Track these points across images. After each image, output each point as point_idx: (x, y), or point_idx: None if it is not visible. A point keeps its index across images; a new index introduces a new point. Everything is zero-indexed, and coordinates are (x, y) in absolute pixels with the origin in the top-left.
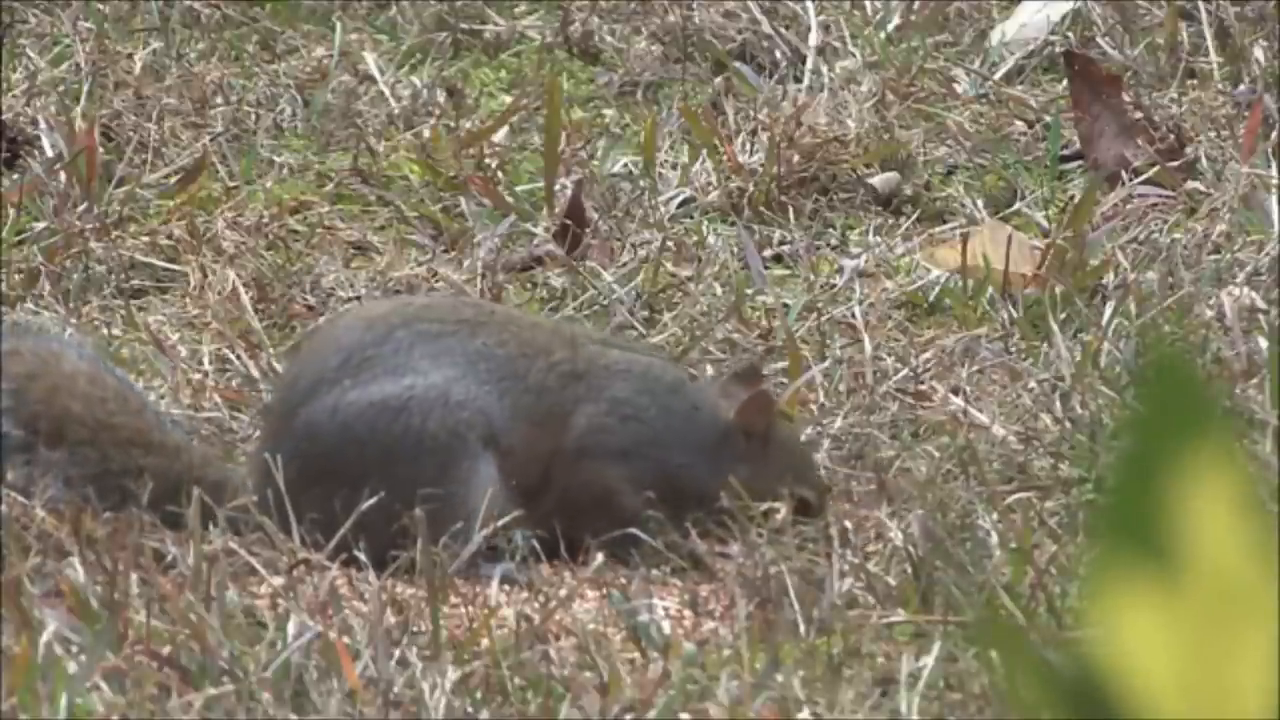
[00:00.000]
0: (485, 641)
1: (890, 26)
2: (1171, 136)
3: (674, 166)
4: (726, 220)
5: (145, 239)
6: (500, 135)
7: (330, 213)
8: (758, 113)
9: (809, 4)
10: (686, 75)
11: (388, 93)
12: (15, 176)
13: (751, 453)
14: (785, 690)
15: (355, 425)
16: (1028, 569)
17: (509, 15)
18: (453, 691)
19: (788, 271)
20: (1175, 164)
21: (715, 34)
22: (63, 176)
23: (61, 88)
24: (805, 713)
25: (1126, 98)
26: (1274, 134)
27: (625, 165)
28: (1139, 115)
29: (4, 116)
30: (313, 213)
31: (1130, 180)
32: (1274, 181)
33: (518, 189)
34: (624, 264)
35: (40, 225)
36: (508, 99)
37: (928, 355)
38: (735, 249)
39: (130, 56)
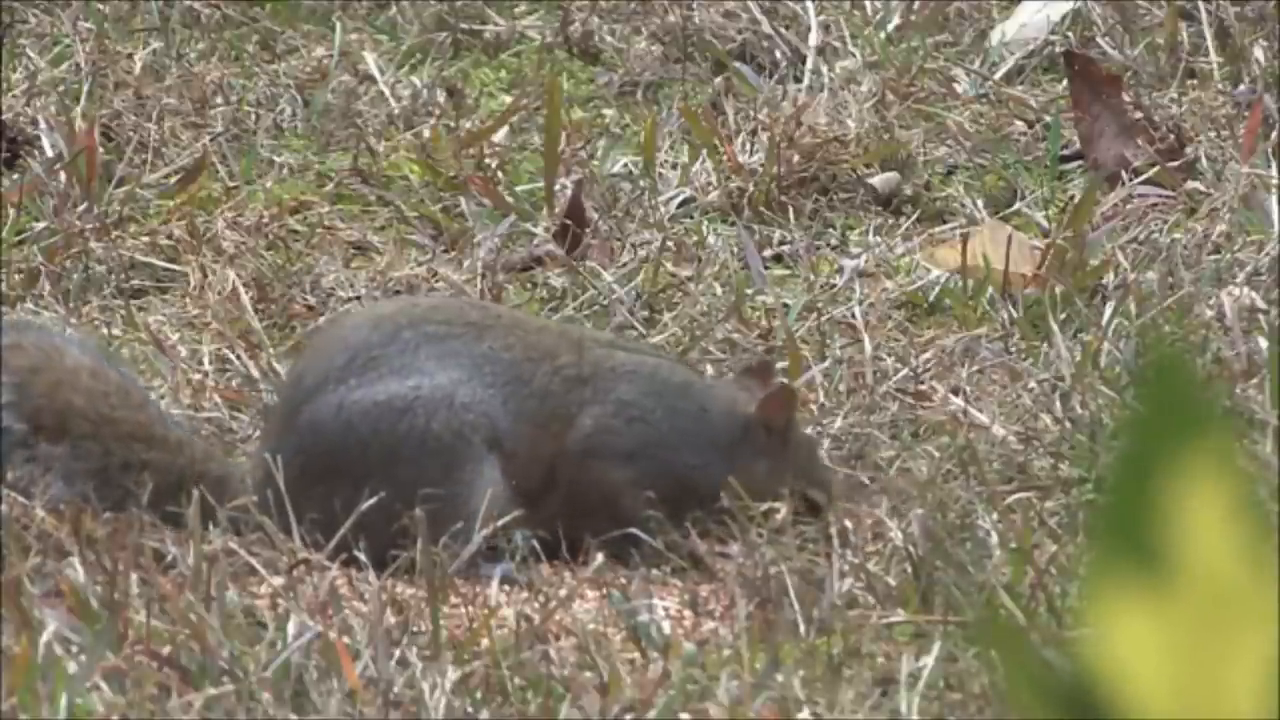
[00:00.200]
0: (485, 641)
1: (890, 26)
2: (1171, 136)
3: (674, 166)
4: (726, 220)
5: (145, 239)
6: (500, 135)
7: (330, 213)
8: (758, 113)
9: (809, 4)
10: (686, 75)
11: (388, 93)
12: (15, 176)
13: (771, 447)
14: (785, 690)
15: (359, 424)
16: (1028, 569)
17: (509, 15)
18: (453, 691)
19: (788, 271)
20: (1175, 164)
21: (715, 34)
22: (63, 176)
23: (61, 88)
24: (805, 713)
25: (1126, 98)
26: (1274, 134)
27: (625, 165)
28: (1139, 115)
29: (4, 116)
30: (313, 213)
31: (1130, 180)
32: (1274, 181)
33: (518, 189)
34: (624, 264)
35: (40, 225)
36: (508, 99)
37: (928, 355)
38: (735, 249)
39: (130, 56)
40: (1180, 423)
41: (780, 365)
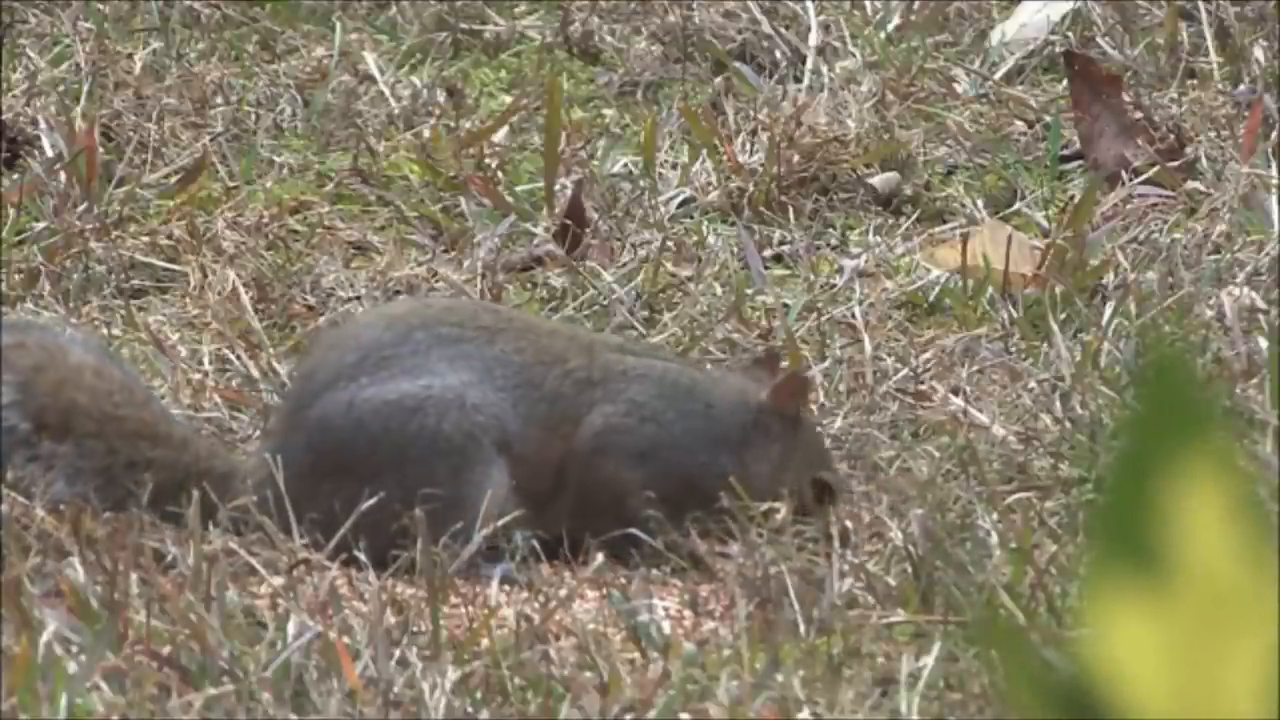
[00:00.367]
0: (485, 641)
1: (890, 26)
2: (1171, 136)
3: (674, 166)
4: (726, 220)
5: (145, 239)
6: (500, 135)
7: (330, 213)
8: (758, 113)
9: (809, 4)
10: (686, 75)
11: (388, 93)
12: (15, 176)
13: (783, 434)
14: (785, 690)
15: (370, 422)
16: (1028, 569)
17: (509, 15)
18: (453, 691)
19: (788, 271)
20: (1175, 164)
21: (715, 34)
22: (63, 176)
23: (61, 88)
24: (805, 713)
25: (1126, 98)
26: (1274, 134)
27: (625, 165)
28: (1139, 115)
29: (4, 116)
30: (313, 213)
31: (1130, 180)
32: (1274, 181)
33: (518, 189)
34: (624, 264)
35: (40, 225)
36: (508, 99)
37: (928, 355)
38: (735, 249)
39: (130, 56)
40: (1180, 423)
41: (780, 365)
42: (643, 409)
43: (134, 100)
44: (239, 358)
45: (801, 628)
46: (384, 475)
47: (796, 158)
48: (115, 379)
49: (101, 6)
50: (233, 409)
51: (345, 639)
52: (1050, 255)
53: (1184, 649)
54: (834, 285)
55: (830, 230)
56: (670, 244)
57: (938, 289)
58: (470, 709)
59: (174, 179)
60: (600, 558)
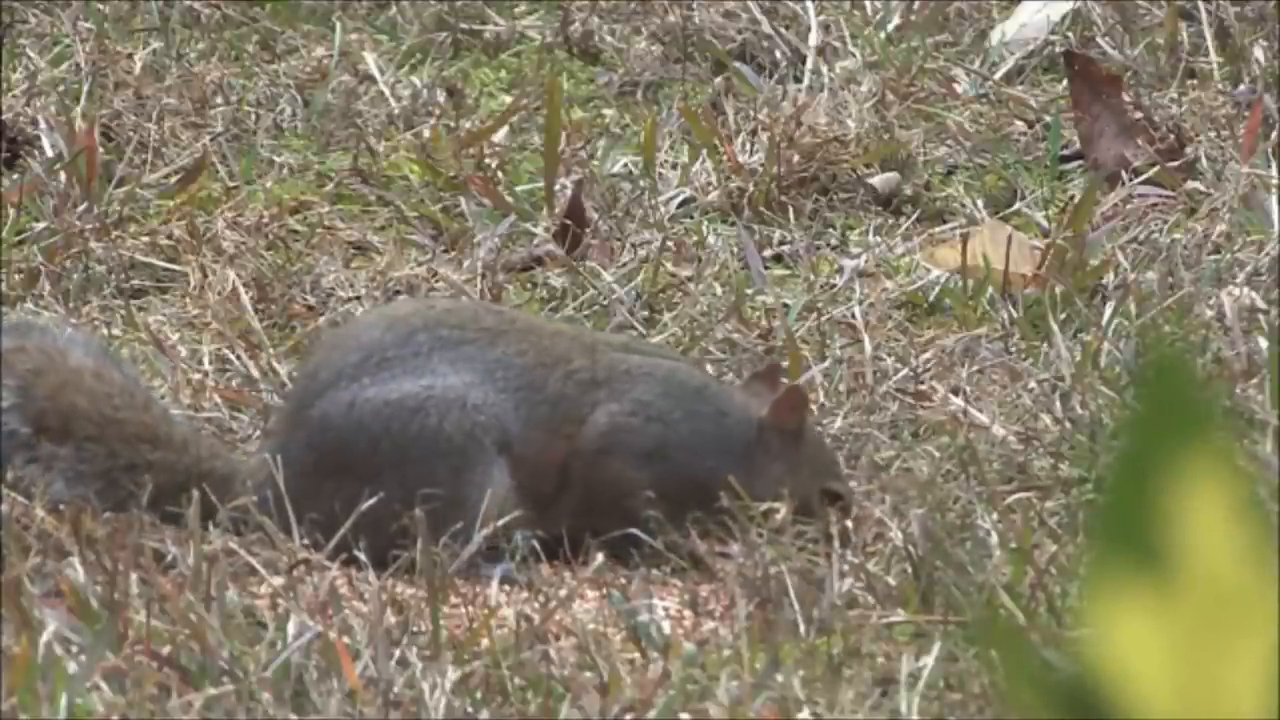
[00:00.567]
0: (485, 641)
1: (890, 26)
2: (1171, 136)
3: (674, 166)
4: (726, 220)
5: (145, 239)
6: (500, 135)
7: (330, 213)
8: (758, 113)
9: (809, 4)
10: (686, 75)
11: (388, 93)
12: (15, 176)
13: (785, 450)
14: (785, 690)
15: (371, 422)
16: (1028, 569)
17: (509, 15)
18: (453, 691)
19: (788, 271)
20: (1175, 164)
21: (715, 34)
22: (63, 176)
23: (61, 88)
24: (805, 713)
25: (1126, 98)
26: (1274, 134)
27: (625, 165)
28: (1139, 115)
29: (4, 116)
30: (313, 213)
31: (1130, 180)
32: (1274, 181)
33: (518, 189)
34: (624, 264)
35: (40, 225)
36: (508, 99)
37: (928, 355)
38: (735, 249)
39: (130, 56)
40: (1180, 423)
41: (780, 362)
42: (649, 408)
43: (134, 100)
44: (239, 358)
45: (801, 628)
46: (385, 475)
47: (796, 158)
48: (115, 381)
49: (101, 6)
50: (233, 409)
51: (345, 639)
52: (1050, 255)
53: (1185, 649)
54: (834, 285)
55: (830, 230)
56: (670, 244)
57: (938, 289)
58: (470, 709)
59: (174, 179)
60: (600, 558)
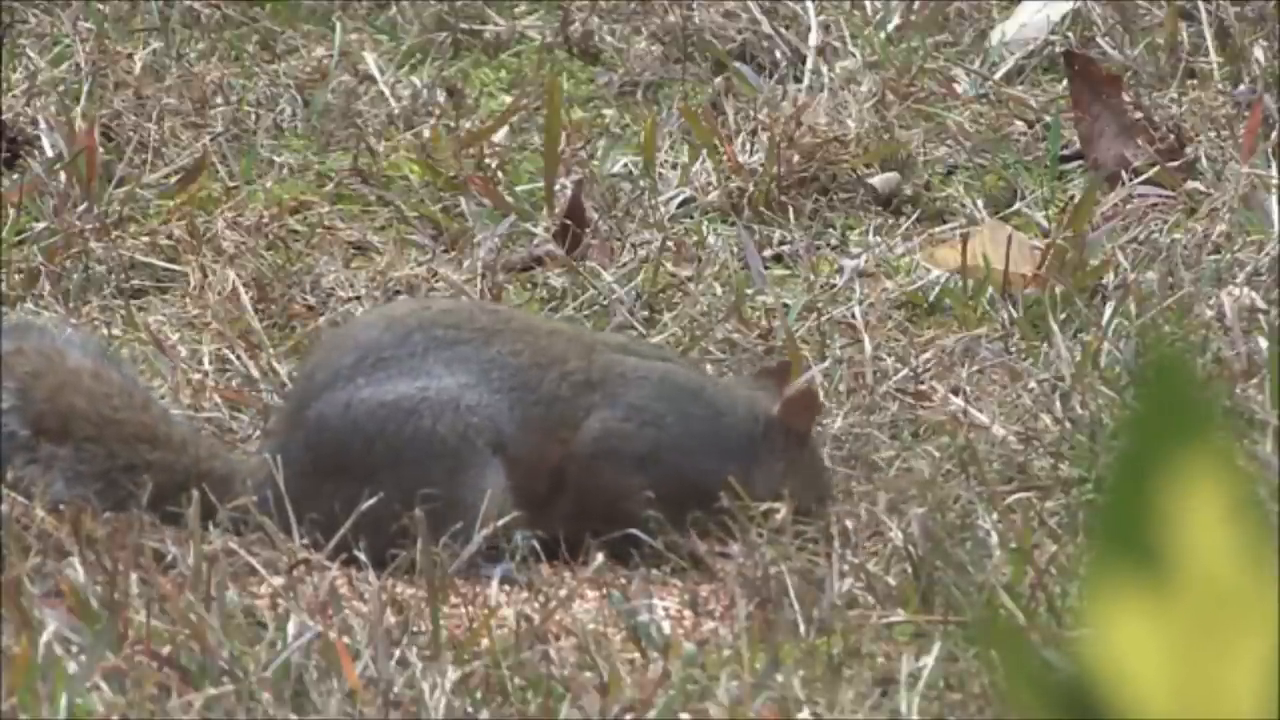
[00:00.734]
0: (485, 641)
1: (890, 26)
2: (1171, 136)
3: (674, 166)
4: (726, 220)
5: (145, 239)
6: (500, 135)
7: (330, 213)
8: (758, 113)
9: (809, 4)
10: (686, 75)
11: (388, 93)
12: (15, 176)
13: (789, 450)
14: (785, 690)
15: (366, 423)
16: (1028, 569)
17: (509, 15)
18: (453, 691)
19: (788, 271)
20: (1175, 164)
21: (715, 34)
22: (63, 176)
23: (61, 88)
24: (805, 713)
25: (1126, 98)
26: (1274, 134)
27: (625, 165)
28: (1139, 115)
29: (4, 116)
30: (313, 213)
31: (1130, 180)
32: (1274, 181)
33: (518, 189)
34: (624, 264)
35: (40, 225)
36: (508, 99)
37: (928, 355)
38: (735, 249)
39: (130, 56)
40: (1180, 423)
41: (791, 376)
42: (642, 413)
43: (134, 100)
44: (239, 358)
45: (801, 628)
46: (381, 476)
47: (796, 158)
48: (114, 382)
49: (101, 6)
50: (233, 409)
51: (345, 639)
52: (1050, 255)
53: (1184, 649)
54: (834, 285)
55: (830, 230)
56: (670, 244)
57: (938, 289)
58: (470, 709)
59: (174, 179)
60: (600, 558)
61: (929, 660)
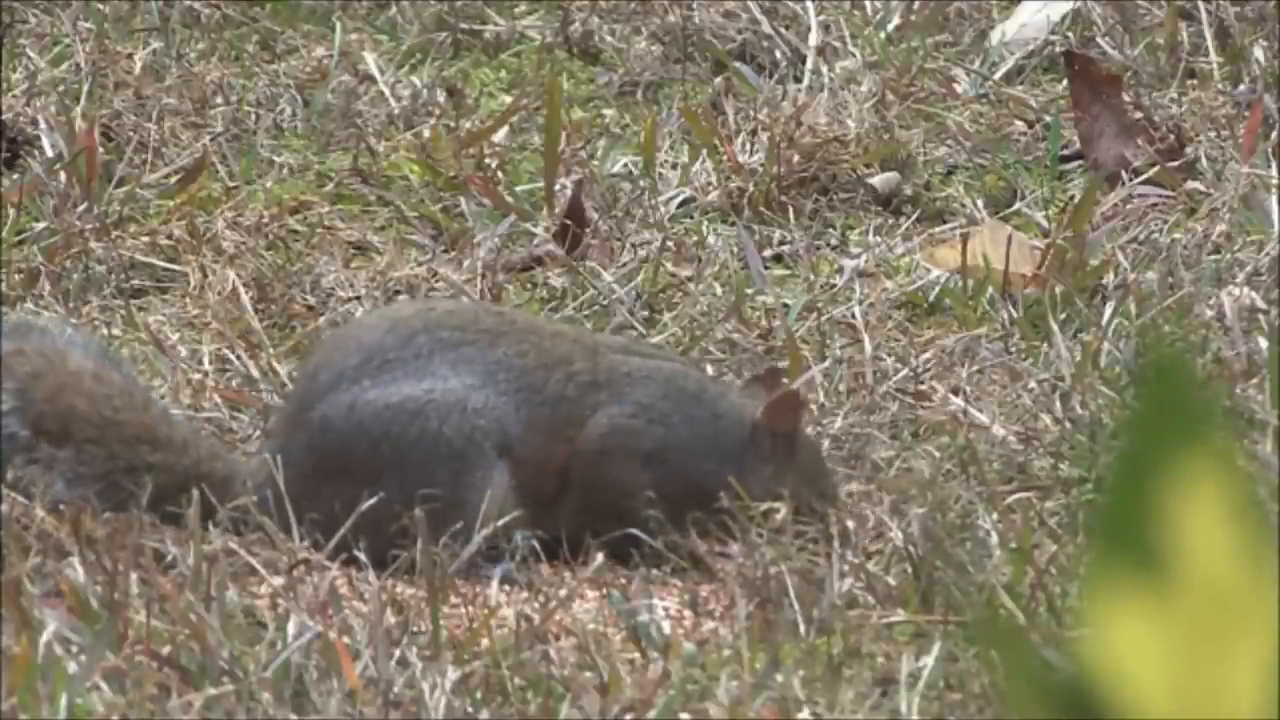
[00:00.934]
0: (485, 641)
1: (890, 26)
2: (1171, 136)
3: (674, 166)
4: (726, 220)
5: (145, 239)
6: (500, 135)
7: (330, 213)
8: (758, 113)
9: (809, 4)
10: (686, 75)
11: (388, 93)
12: (15, 176)
13: (776, 453)
14: (785, 690)
15: (371, 425)
16: (1028, 569)
17: (509, 15)
18: (453, 691)
19: (788, 271)
20: (1175, 164)
21: (715, 34)
22: (63, 176)
23: (61, 88)
24: (805, 713)
25: (1126, 98)
26: (1274, 134)
27: (625, 165)
28: (1139, 115)
29: (4, 116)
30: (313, 213)
31: (1130, 180)
32: (1274, 181)
33: (518, 189)
34: (624, 264)
35: (40, 225)
36: (508, 99)
37: (928, 355)
38: (735, 249)
39: (130, 56)
40: (1180, 423)
41: (780, 365)
42: (650, 411)
43: (134, 100)
44: (239, 358)
45: (801, 628)
46: (385, 478)
47: (796, 158)
48: (114, 383)
49: (101, 6)
50: (233, 409)
51: (345, 639)
52: (1050, 255)
53: (1184, 649)
54: (834, 285)
55: (830, 230)
56: (670, 244)
57: (938, 289)
58: (470, 709)
59: (174, 179)
60: (600, 558)
61: (929, 660)
